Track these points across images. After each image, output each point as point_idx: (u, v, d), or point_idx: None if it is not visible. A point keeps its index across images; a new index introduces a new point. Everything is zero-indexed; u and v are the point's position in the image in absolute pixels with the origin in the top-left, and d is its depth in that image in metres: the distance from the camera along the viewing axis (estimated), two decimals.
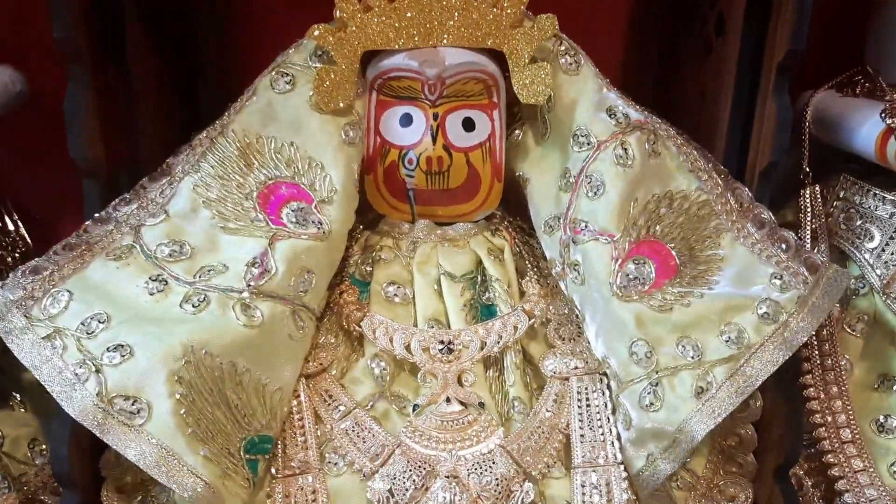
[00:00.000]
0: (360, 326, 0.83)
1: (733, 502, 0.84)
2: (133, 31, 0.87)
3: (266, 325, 0.75)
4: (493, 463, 0.77)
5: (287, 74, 0.82)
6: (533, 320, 0.84)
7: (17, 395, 0.88)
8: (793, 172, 0.94)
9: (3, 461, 0.83)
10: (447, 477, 0.76)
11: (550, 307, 0.86)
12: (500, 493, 0.76)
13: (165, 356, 0.70)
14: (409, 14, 0.80)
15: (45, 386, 0.70)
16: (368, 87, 0.84)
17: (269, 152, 0.81)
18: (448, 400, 0.80)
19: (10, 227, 0.91)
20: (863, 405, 0.87)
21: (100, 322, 0.72)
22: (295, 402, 0.79)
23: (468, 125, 0.84)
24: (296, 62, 0.82)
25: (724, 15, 0.91)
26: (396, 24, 0.81)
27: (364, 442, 0.78)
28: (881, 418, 0.87)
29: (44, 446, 0.86)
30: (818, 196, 0.91)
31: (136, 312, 0.73)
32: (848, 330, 0.89)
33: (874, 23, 0.94)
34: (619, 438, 0.79)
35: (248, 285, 0.75)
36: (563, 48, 0.84)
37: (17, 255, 0.90)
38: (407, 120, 0.84)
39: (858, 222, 0.90)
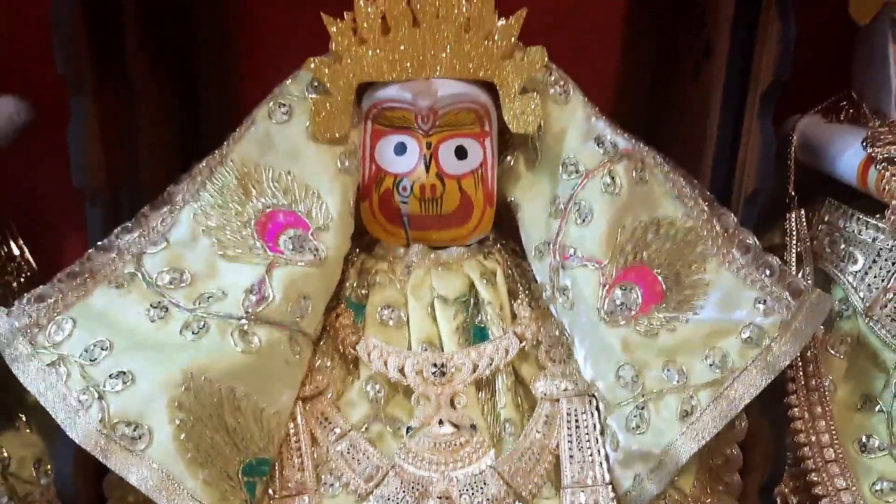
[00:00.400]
0: (355, 350, 0.85)
1: None
2: (134, 60, 0.89)
3: (264, 350, 0.77)
4: (485, 484, 0.79)
5: (284, 105, 0.84)
6: (524, 343, 0.86)
7: (23, 416, 0.90)
8: (779, 196, 0.96)
9: (10, 481, 0.85)
10: (439, 498, 0.78)
11: (541, 329, 0.88)
12: None
13: (166, 382, 0.72)
14: (402, 47, 0.83)
15: (50, 412, 0.72)
16: (364, 117, 0.86)
17: (266, 181, 0.83)
18: (441, 422, 0.82)
19: (16, 251, 0.93)
20: (846, 425, 0.89)
21: (102, 349, 0.74)
22: (292, 425, 0.82)
23: (460, 153, 0.86)
24: (293, 93, 0.85)
25: (710, 40, 0.93)
26: (390, 57, 0.83)
27: (359, 463, 0.80)
28: (864, 438, 0.89)
29: (49, 467, 0.88)
30: (803, 220, 0.92)
31: (137, 339, 0.75)
32: (832, 351, 0.90)
33: (859, 50, 0.96)
34: (607, 459, 0.81)
35: (247, 312, 0.77)
36: (552, 78, 0.86)
37: (22, 279, 0.92)
38: (401, 149, 0.86)
39: (842, 246, 0.92)
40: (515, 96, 0.84)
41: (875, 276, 0.89)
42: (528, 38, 0.85)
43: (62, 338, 0.75)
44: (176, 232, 0.81)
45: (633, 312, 0.81)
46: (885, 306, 0.88)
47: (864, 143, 0.84)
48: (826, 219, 0.94)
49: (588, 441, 0.83)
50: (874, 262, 0.89)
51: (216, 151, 0.85)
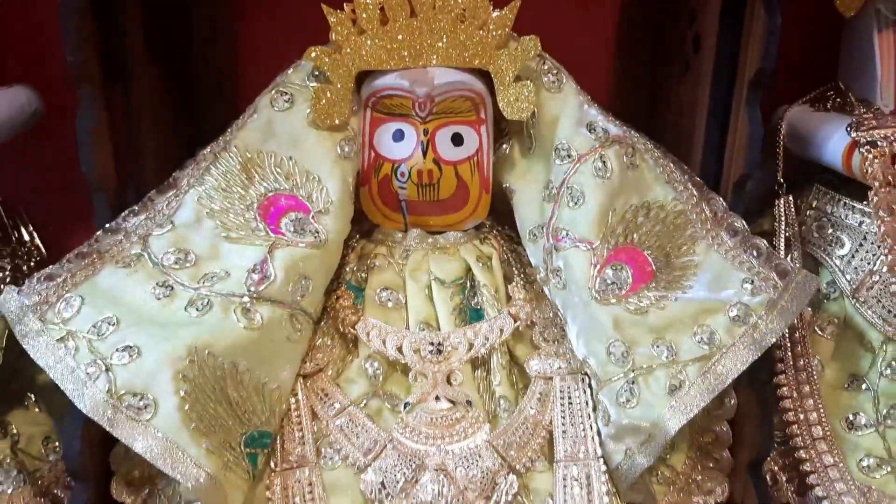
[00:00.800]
0: (354, 329, 0.88)
1: (710, 496, 0.88)
2: (137, 54, 0.92)
3: (265, 327, 0.80)
4: (480, 457, 0.81)
5: (286, 93, 0.87)
6: (518, 323, 0.89)
7: (32, 396, 0.93)
8: (769, 185, 0.98)
9: (19, 456, 0.87)
10: (436, 470, 0.80)
11: (536, 311, 0.91)
12: (485, 484, 0.80)
13: (171, 356, 0.74)
14: (400, 37, 0.86)
15: (59, 384, 0.74)
16: (363, 105, 0.89)
17: (269, 166, 0.86)
18: (437, 398, 0.84)
19: (26, 237, 0.95)
20: (834, 404, 0.91)
21: (110, 325, 0.76)
22: (293, 401, 0.84)
23: (457, 140, 0.89)
24: (294, 82, 0.88)
25: (700, 34, 0.96)
26: (388, 46, 0.86)
27: (357, 437, 0.83)
28: (850, 416, 0.91)
29: (57, 444, 0.90)
30: (791, 206, 0.95)
31: (143, 316, 0.78)
32: (819, 332, 0.93)
33: (845, 41, 0.99)
34: (599, 434, 0.84)
35: (249, 290, 0.80)
36: (546, 67, 0.89)
37: (32, 264, 0.95)
38: (399, 135, 0.89)
39: (830, 230, 0.94)
40: (509, 84, 0.87)
41: (861, 260, 0.91)
42: (522, 31, 0.87)
43: (71, 314, 0.77)
44: (181, 214, 0.84)
45: (624, 291, 0.83)
46: (872, 288, 0.90)
47: (849, 128, 0.86)
48: (814, 204, 0.96)
49: (580, 417, 0.85)
50: (861, 245, 0.92)
51: (220, 138, 0.88)
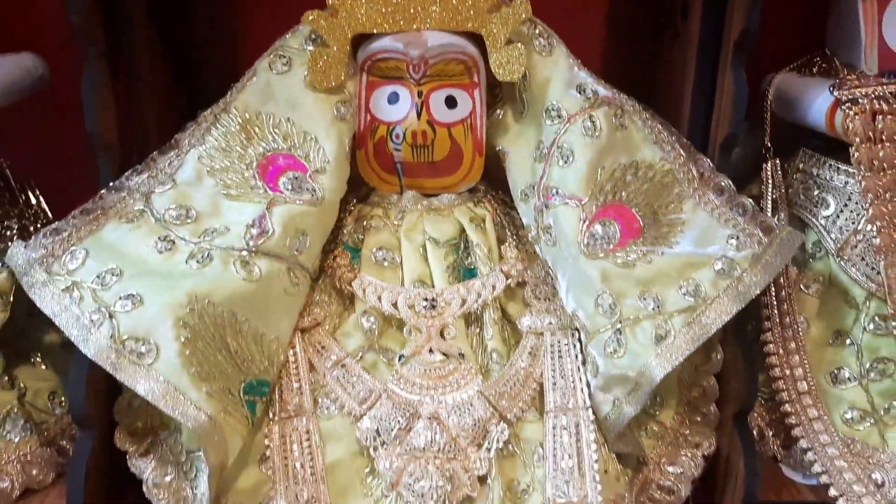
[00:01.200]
0: (351, 286, 0.90)
1: (698, 449, 0.91)
2: (139, 19, 0.94)
3: (263, 280, 0.82)
4: (472, 406, 0.84)
5: (284, 57, 0.90)
6: (510, 280, 0.91)
7: (39, 356, 0.96)
8: (757, 151, 1.00)
9: (27, 408, 0.90)
10: (429, 418, 0.83)
11: (528, 270, 0.93)
12: (476, 432, 0.82)
13: (172, 304, 0.77)
14: (394, 0, 0.88)
15: (64, 330, 0.77)
16: (359, 69, 0.91)
17: (267, 127, 0.88)
18: (431, 351, 0.87)
19: (34, 201, 0.98)
20: (819, 360, 0.93)
21: (113, 276, 0.79)
22: (291, 353, 0.87)
23: (450, 102, 0.91)
24: (292, 45, 0.90)
25: (687, 2, 0.98)
26: (383, 10, 0.88)
27: (353, 387, 0.85)
28: (835, 370, 0.93)
29: (62, 399, 0.93)
30: (778, 169, 0.97)
31: (145, 268, 0.80)
32: (805, 290, 0.95)
33: (832, 9, 1.01)
34: (588, 386, 0.86)
35: (248, 244, 0.83)
36: (536, 31, 0.91)
37: (38, 225, 0.97)
38: (394, 97, 0.91)
39: (815, 192, 0.96)
40: (501, 47, 0.89)
41: (846, 220, 0.93)
42: None
43: (76, 266, 0.80)
44: (182, 173, 0.87)
45: (612, 246, 0.85)
46: (856, 247, 0.92)
47: (832, 88, 0.88)
48: (800, 167, 0.98)
49: (570, 369, 0.87)
50: (845, 205, 0.94)
51: (220, 101, 0.90)
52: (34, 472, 0.87)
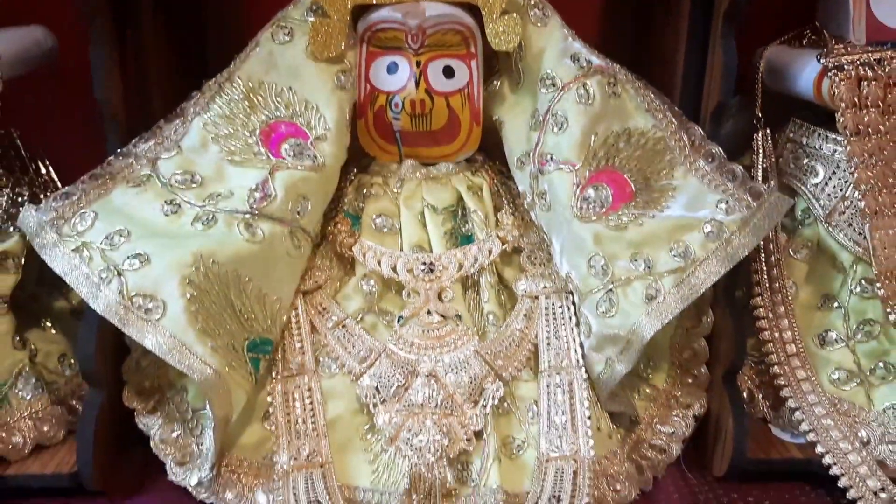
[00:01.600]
0: (351, 251, 0.93)
1: (689, 409, 0.93)
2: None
3: (266, 241, 0.85)
4: (468, 364, 0.86)
5: (286, 28, 0.92)
6: (506, 245, 0.94)
7: (49, 321, 0.98)
8: (749, 125, 1.02)
9: (38, 367, 0.93)
10: (427, 376, 0.85)
11: (523, 237, 0.96)
12: (473, 389, 0.85)
13: (178, 263, 0.80)
14: None
15: (74, 288, 0.79)
16: (359, 40, 0.94)
17: (270, 96, 0.91)
18: (429, 312, 0.90)
19: (43, 170, 1.01)
20: (807, 323, 0.95)
21: (121, 237, 0.82)
22: (293, 314, 0.90)
23: (448, 72, 0.94)
24: (294, 17, 0.92)
25: None
26: None
27: (354, 347, 0.88)
28: (823, 333, 0.95)
29: (72, 361, 0.96)
30: (769, 138, 0.98)
31: (152, 229, 0.83)
32: (794, 256, 0.97)
33: None
34: (581, 346, 0.89)
35: (251, 207, 0.85)
36: (532, 2, 0.93)
37: (48, 193, 0.99)
38: (393, 67, 0.93)
39: (805, 161, 0.98)
40: (497, 17, 0.91)
41: (834, 187, 0.96)
42: None
43: (85, 227, 0.83)
44: (188, 140, 0.90)
45: (604, 209, 0.88)
46: (843, 213, 0.94)
47: (819, 57, 0.90)
48: (790, 137, 1.00)
49: (564, 331, 0.90)
50: (833, 173, 0.96)
51: (224, 71, 0.93)
52: (45, 428, 0.90)
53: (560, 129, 0.90)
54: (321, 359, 0.88)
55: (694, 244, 0.84)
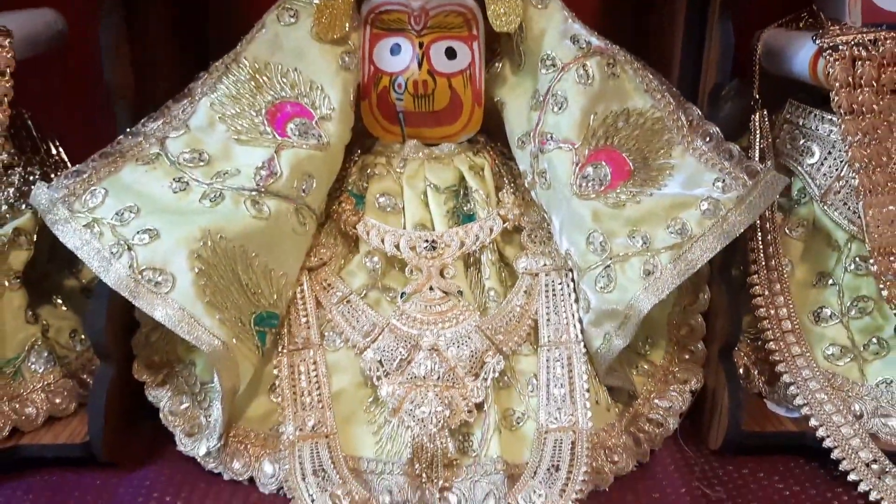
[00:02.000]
0: (355, 229, 0.95)
1: (685, 385, 0.95)
2: None
3: (273, 218, 0.87)
4: (469, 338, 0.88)
5: (291, 9, 0.94)
6: (507, 223, 0.96)
7: (59, 299, 1.00)
8: (746, 108, 1.03)
9: (51, 342, 0.95)
10: (429, 349, 0.87)
11: (524, 216, 0.98)
12: (474, 363, 0.87)
13: (187, 238, 0.82)
14: None
15: (86, 262, 0.82)
16: (363, 22, 0.96)
17: (275, 76, 0.93)
18: (431, 289, 0.92)
19: (54, 151, 1.03)
20: (803, 300, 0.97)
21: (131, 213, 0.84)
22: (299, 290, 0.92)
23: (450, 54, 0.95)
24: None
25: None
26: None
27: (358, 321, 0.90)
28: (817, 310, 0.97)
29: (82, 336, 0.98)
30: (766, 119, 1.00)
31: (161, 206, 0.85)
32: (790, 235, 0.98)
33: None
34: (580, 322, 0.90)
35: (258, 185, 0.87)
36: None
37: (58, 173, 1.01)
38: (396, 49, 0.95)
39: (801, 141, 1.00)
40: None
41: (830, 167, 0.97)
42: None
43: (96, 204, 0.85)
44: (195, 119, 0.91)
45: (603, 187, 0.89)
46: (839, 192, 0.96)
47: (814, 37, 0.92)
48: (787, 118, 1.02)
49: (563, 306, 0.92)
50: (829, 153, 0.97)
51: (231, 52, 0.95)
52: (58, 400, 0.92)
53: (560, 108, 0.91)
54: (326, 333, 0.91)
55: (691, 221, 0.86)
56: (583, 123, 0.91)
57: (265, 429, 0.88)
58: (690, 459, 0.92)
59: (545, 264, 0.94)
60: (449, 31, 0.95)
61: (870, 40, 0.89)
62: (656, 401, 0.95)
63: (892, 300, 0.90)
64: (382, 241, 0.94)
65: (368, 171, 0.99)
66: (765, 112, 1.01)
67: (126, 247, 0.81)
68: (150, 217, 0.83)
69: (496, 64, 1.00)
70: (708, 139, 0.93)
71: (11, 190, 0.93)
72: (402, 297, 0.92)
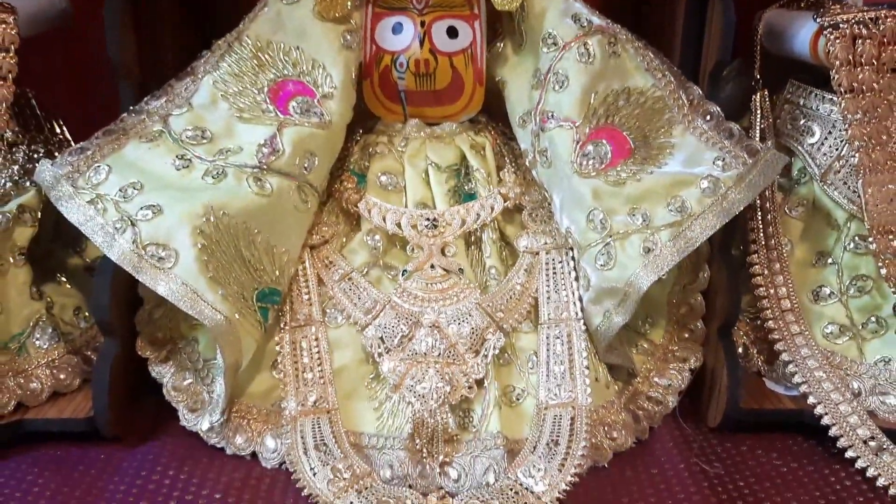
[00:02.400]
0: (357, 207, 0.96)
1: (685, 363, 0.96)
2: None
3: (275, 195, 0.87)
4: (470, 315, 0.89)
5: None
6: (508, 202, 0.96)
7: (63, 277, 1.01)
8: (747, 89, 1.04)
9: (55, 318, 0.96)
10: (430, 326, 0.88)
11: (525, 195, 0.98)
12: (474, 339, 0.88)
13: (190, 214, 0.82)
14: None
15: (90, 238, 0.82)
16: (365, 1, 0.96)
17: (278, 55, 0.93)
18: (432, 266, 0.92)
19: (58, 129, 1.03)
20: (802, 280, 0.97)
21: (134, 189, 0.84)
22: (301, 268, 0.93)
23: (452, 33, 0.96)
24: None
25: None
26: None
27: (359, 298, 0.91)
28: (817, 289, 0.97)
29: (86, 313, 0.98)
30: (766, 99, 1.00)
31: (164, 182, 0.86)
32: (790, 214, 0.99)
33: None
34: (580, 300, 0.91)
35: (260, 162, 0.88)
36: None
37: (62, 152, 1.02)
38: (398, 28, 0.96)
39: (802, 121, 1.00)
40: None
41: (830, 146, 0.97)
42: None
43: (99, 180, 0.85)
44: (198, 97, 0.92)
45: (604, 165, 0.90)
46: (839, 172, 0.96)
47: (815, 16, 0.92)
48: (788, 98, 1.02)
49: (564, 285, 0.92)
50: (829, 133, 0.98)
51: (234, 30, 0.95)
52: (62, 376, 0.93)
53: (561, 87, 0.92)
54: (328, 310, 0.91)
55: (690, 199, 0.87)
56: (584, 102, 0.91)
57: (267, 404, 0.89)
58: (689, 437, 0.93)
59: (546, 243, 0.95)
60: (451, 10, 0.95)
61: (870, 18, 0.89)
62: (656, 379, 0.95)
63: (890, 279, 0.90)
64: (384, 219, 0.94)
65: (370, 151, 1.00)
66: (766, 92, 1.01)
67: (129, 222, 0.82)
68: (153, 193, 0.84)
69: (497, 43, 1.01)
70: (708, 118, 0.93)
71: (16, 167, 0.94)
72: (403, 274, 0.92)
